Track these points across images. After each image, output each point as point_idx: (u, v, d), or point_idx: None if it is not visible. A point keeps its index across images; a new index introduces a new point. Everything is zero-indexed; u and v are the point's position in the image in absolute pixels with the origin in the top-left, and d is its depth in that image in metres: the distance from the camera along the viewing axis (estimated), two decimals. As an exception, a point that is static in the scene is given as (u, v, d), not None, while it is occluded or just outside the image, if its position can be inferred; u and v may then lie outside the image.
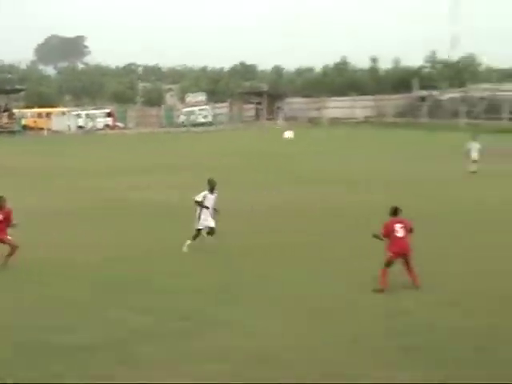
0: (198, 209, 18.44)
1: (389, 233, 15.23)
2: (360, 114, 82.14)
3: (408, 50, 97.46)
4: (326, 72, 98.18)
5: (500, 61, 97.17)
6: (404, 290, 14.79)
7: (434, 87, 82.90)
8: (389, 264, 15.09)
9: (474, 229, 21.21)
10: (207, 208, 18.33)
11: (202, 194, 18.45)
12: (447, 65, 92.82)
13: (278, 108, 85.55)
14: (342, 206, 25.41)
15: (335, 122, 79.47)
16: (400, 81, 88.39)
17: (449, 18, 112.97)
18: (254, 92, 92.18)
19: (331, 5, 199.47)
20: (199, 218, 18.42)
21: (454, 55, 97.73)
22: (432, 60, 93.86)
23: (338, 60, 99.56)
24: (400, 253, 15.11)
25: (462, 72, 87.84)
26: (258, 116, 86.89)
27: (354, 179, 33.03)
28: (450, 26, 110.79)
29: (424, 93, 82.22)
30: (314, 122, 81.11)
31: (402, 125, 72.22)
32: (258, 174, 35.39)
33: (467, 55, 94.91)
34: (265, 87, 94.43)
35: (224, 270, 16.75)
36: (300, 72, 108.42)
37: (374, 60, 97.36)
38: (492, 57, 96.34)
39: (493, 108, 72.39)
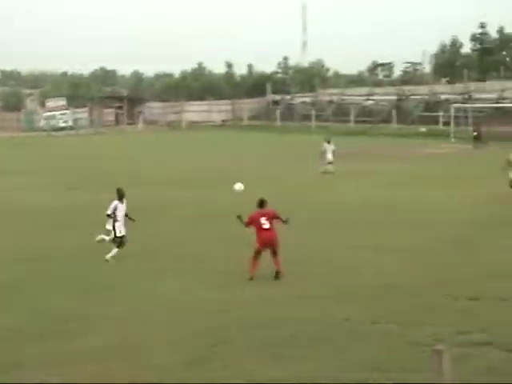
0: (111, 220, 18.63)
1: (252, 223, 16.53)
2: (217, 117, 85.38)
3: (262, 55, 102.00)
4: (184, 77, 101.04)
5: (346, 67, 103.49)
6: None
7: (287, 92, 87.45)
8: (256, 254, 16.37)
9: (331, 227, 22.81)
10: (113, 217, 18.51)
11: (112, 205, 18.58)
12: (298, 70, 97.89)
13: (139, 112, 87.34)
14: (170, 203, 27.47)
15: (193, 125, 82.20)
16: (254, 85, 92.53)
17: (300, 25, 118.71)
18: (114, 96, 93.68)
19: (186, 12, 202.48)
20: (114, 228, 18.57)
21: (305, 61, 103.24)
22: (284, 66, 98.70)
23: (195, 65, 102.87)
24: (266, 244, 16.35)
25: (312, 77, 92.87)
26: (118, 120, 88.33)
27: (203, 179, 34.84)
28: (300, 32, 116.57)
29: (277, 97, 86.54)
30: (172, 125, 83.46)
31: (257, 128, 75.46)
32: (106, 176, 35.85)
33: (317, 61, 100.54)
34: (125, 92, 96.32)
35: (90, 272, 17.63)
36: (159, 77, 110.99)
37: (229, 65, 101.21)
38: (339, 63, 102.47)
39: (341, 111, 77.40)
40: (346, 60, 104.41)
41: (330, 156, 37.73)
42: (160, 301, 15.06)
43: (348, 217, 24.25)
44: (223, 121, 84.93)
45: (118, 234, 18.58)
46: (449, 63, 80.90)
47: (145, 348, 12.20)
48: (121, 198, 18.80)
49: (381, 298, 14.73)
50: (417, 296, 14.80)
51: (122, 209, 18.70)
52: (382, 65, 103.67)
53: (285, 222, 17.11)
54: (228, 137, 66.63)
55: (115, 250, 18.51)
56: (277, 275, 16.41)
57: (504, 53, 78.98)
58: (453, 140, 55.99)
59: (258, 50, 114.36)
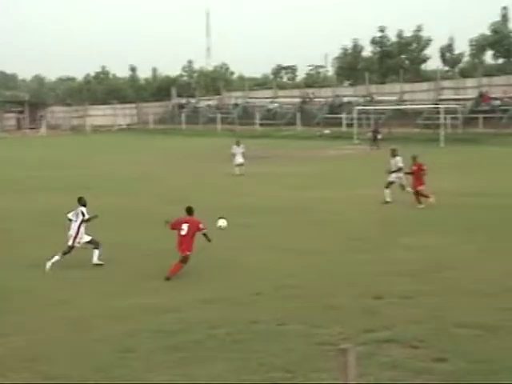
0: (76, 226, 18.14)
1: (175, 227, 17.00)
2: (123, 121, 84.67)
3: (166, 59, 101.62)
4: (88, 81, 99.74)
5: (251, 70, 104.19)
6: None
7: (192, 95, 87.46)
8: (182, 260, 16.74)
9: (240, 228, 22.56)
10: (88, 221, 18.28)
11: (83, 210, 18.23)
12: (203, 74, 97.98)
13: (41, 116, 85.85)
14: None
15: (98, 129, 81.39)
16: (159, 89, 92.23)
17: (204, 29, 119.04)
18: (15, 101, 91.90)
19: (89, 16, 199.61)
20: (76, 235, 18.14)
21: (209, 64, 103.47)
22: (189, 69, 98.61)
23: (98, 69, 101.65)
24: (178, 249, 16.88)
25: (216, 80, 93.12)
26: (19, 125, 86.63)
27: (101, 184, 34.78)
28: (204, 36, 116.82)
29: (182, 100, 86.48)
30: (76, 129, 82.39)
31: (163, 131, 75.32)
32: None
33: (221, 64, 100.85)
34: (26, 96, 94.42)
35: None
36: (62, 81, 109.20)
37: (133, 69, 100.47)
38: (243, 66, 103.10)
39: (246, 114, 77.90)
40: (250, 63, 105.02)
41: (239, 158, 38.07)
42: (65, 307, 14.80)
43: (258, 218, 24.36)
44: (128, 125, 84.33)
45: (73, 244, 18.15)
46: (351, 66, 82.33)
47: (47, 356, 11.98)
48: (84, 205, 18.45)
49: (288, 299, 14.84)
50: (323, 296, 14.97)
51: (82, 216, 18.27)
52: (286, 68, 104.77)
53: (206, 236, 17.35)
54: (133, 141, 66.27)
55: (57, 258, 17.94)
56: (167, 279, 16.61)
57: (403, 56, 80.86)
58: (356, 142, 57.06)
59: (161, 53, 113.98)
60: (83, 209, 18.30)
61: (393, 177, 27.40)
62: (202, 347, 12.23)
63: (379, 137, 53.07)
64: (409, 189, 26.84)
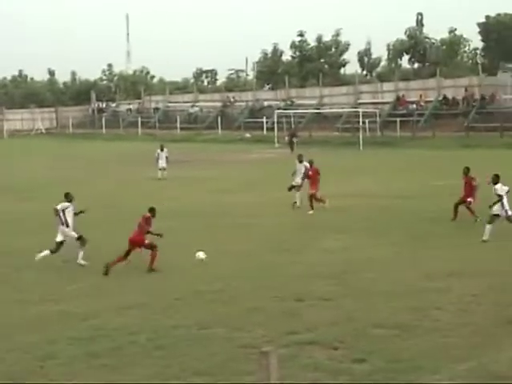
0: (65, 219, 18.57)
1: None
2: (41, 125, 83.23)
3: (85, 62, 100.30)
4: (4, 84, 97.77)
5: (171, 74, 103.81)
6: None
7: (112, 99, 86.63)
8: (126, 253, 17.72)
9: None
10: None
11: (70, 205, 18.71)
12: (123, 77, 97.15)
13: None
14: None
15: (16, 133, 79.85)
16: (79, 93, 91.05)
17: (123, 33, 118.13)
18: None
19: (6, 19, 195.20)
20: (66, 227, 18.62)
21: (129, 68, 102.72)
22: (109, 73, 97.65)
23: (15, 73, 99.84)
24: (130, 241, 17.82)
25: (137, 84, 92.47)
26: None
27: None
28: (124, 40, 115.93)
29: (102, 104, 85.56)
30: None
31: (83, 135, 74.32)
32: None
33: (141, 68, 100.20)
34: None
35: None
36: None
37: (51, 72, 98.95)
38: (164, 70, 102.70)
39: (167, 118, 77.54)
40: (170, 67, 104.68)
41: (163, 163, 38.23)
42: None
43: (179, 222, 24.30)
44: (47, 129, 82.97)
45: (60, 240, 18.64)
46: (271, 70, 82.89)
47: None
48: (71, 200, 18.92)
49: (209, 303, 14.87)
50: (245, 299, 15.05)
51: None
52: (207, 72, 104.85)
53: (150, 232, 18.02)
54: (52, 145, 65.28)
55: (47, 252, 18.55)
56: (105, 268, 17.51)
57: (322, 60, 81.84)
58: (277, 145, 57.40)
59: (80, 56, 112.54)
60: (69, 203, 18.70)
61: (297, 181, 27.64)
62: (122, 353, 12.15)
63: (295, 140, 53.54)
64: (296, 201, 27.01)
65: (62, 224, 18.73)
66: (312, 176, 26.51)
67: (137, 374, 11.21)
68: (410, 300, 14.64)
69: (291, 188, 27.61)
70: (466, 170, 23.66)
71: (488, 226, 20.10)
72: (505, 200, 20.34)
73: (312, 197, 26.14)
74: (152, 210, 18.36)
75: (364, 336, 12.57)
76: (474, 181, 23.16)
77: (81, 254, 18.68)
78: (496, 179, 20.75)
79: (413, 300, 14.64)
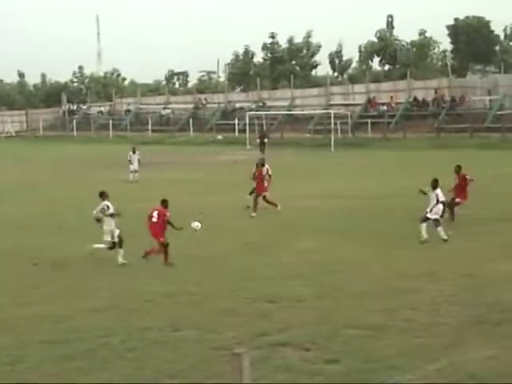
0: (110, 221, 18.80)
1: (148, 216, 18.53)
2: (11, 128, 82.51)
3: (56, 64, 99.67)
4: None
5: (143, 76, 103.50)
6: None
7: (83, 101, 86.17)
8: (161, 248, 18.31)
9: (135, 236, 23.91)
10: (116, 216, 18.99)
11: (109, 203, 19.00)
12: (94, 79, 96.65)
13: None
14: None
15: (-16, 136, 79.23)
16: (49, 95, 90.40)
17: (94, 34, 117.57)
18: None
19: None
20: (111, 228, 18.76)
21: (100, 70, 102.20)
22: (80, 75, 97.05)
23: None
24: (151, 234, 18.40)
25: (108, 86, 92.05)
26: None
27: None
28: (95, 42, 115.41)
29: (73, 107, 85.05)
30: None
31: (54, 138, 73.88)
32: None
33: (113, 70, 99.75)
34: None
35: None
36: None
37: (21, 74, 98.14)
38: (135, 72, 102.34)
39: (138, 121, 77.27)
40: (142, 69, 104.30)
41: (135, 165, 38.24)
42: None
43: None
44: (17, 132, 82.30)
45: (112, 239, 18.80)
46: (242, 72, 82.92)
47: None
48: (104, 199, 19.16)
49: (181, 305, 14.82)
50: (217, 301, 15.02)
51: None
52: (178, 73, 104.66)
53: (171, 225, 18.54)
54: (22, 148, 64.71)
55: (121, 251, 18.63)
56: (145, 255, 18.52)
57: (294, 62, 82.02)
58: (248, 147, 57.40)
59: (50, 58, 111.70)
60: (107, 203, 18.93)
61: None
62: (95, 356, 12.07)
63: (266, 141, 53.67)
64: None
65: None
66: (259, 178, 26.48)
67: (110, 377, 11.13)
68: (384, 300, 14.69)
69: (252, 192, 27.31)
70: (458, 169, 23.52)
71: (424, 225, 20.38)
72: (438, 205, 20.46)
73: (257, 199, 26.10)
74: (164, 202, 18.81)
75: (337, 336, 12.58)
76: (467, 177, 23.14)
77: (121, 252, 18.71)
78: (435, 184, 20.71)
79: (386, 300, 14.69)
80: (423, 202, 21.19)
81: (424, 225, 20.33)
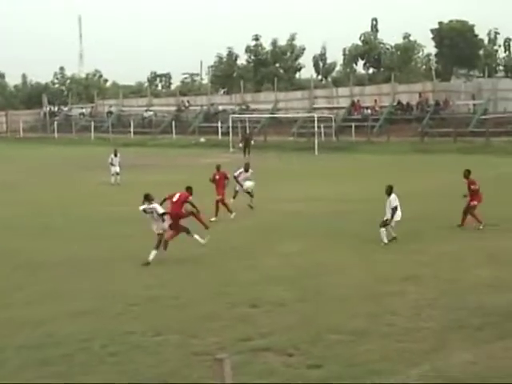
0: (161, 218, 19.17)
1: (168, 198, 19.87)
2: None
3: (37, 65, 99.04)
4: None
5: (125, 77, 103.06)
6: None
7: (64, 103, 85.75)
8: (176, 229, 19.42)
9: (111, 238, 23.45)
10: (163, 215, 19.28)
11: (157, 204, 19.38)
12: (75, 81, 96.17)
13: None
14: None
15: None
16: (30, 96, 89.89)
17: (76, 35, 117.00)
18: None
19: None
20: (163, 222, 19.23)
21: (82, 71, 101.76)
22: (61, 76, 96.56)
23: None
24: (172, 215, 19.31)
25: (90, 88, 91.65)
26: None
27: None
28: (77, 42, 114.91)
29: (54, 108, 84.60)
30: None
31: (34, 140, 73.40)
32: None
33: (94, 71, 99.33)
34: None
35: None
36: None
37: (1, 75, 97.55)
38: (118, 73, 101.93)
39: (120, 123, 76.92)
40: (124, 70, 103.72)
41: (116, 168, 38.01)
42: None
43: (132, 228, 23.92)
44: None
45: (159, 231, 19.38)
46: (226, 74, 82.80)
47: None
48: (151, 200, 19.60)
49: (163, 310, 14.72)
50: (199, 305, 14.92)
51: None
52: (161, 75, 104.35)
53: (193, 205, 20.01)
54: (1, 149, 64.18)
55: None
56: (164, 243, 19.13)
57: (277, 65, 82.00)
58: (232, 150, 57.25)
59: (31, 58, 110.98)
60: (155, 205, 19.33)
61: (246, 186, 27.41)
62: (74, 361, 11.96)
63: (252, 143, 53.61)
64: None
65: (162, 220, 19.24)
66: (219, 180, 26.18)
67: (89, 382, 11.00)
68: (366, 304, 14.66)
69: (236, 196, 27.30)
70: (467, 173, 23.22)
71: (383, 230, 20.63)
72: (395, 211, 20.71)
73: (218, 202, 25.86)
74: (189, 189, 20.42)
75: (320, 341, 12.52)
76: (474, 185, 22.85)
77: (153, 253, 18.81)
78: (390, 190, 20.86)
79: (369, 304, 14.66)
80: (406, 207, 21.24)
81: (383, 229, 20.64)
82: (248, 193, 27.45)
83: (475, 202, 22.66)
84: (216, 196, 26.01)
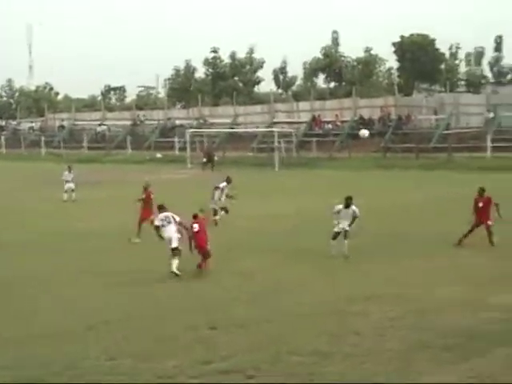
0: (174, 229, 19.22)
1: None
2: None
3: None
4: None
5: (77, 91, 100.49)
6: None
7: (13, 116, 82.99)
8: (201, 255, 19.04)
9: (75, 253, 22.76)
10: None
11: (174, 215, 19.53)
12: (24, 93, 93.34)
13: None
14: None
15: None
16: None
17: (25, 47, 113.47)
18: None
19: None
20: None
21: (31, 84, 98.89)
22: (9, 89, 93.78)
23: None
24: (196, 246, 18.99)
25: (40, 101, 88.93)
26: None
27: None
28: (25, 54, 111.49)
29: (2, 122, 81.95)
30: None
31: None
32: None
33: (45, 84, 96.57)
34: None
35: None
36: None
37: None
38: (69, 86, 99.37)
39: (73, 137, 74.34)
40: (76, 83, 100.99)
41: (70, 184, 37.11)
42: None
43: (91, 243, 23.62)
44: None
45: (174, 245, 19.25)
46: (183, 87, 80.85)
47: None
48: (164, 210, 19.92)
49: (118, 333, 14.12)
50: (156, 327, 14.43)
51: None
52: (115, 89, 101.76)
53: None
54: None
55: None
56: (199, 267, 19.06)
57: (236, 78, 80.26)
58: (189, 165, 55.54)
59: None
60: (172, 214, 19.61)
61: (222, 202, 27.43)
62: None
63: (215, 158, 52.18)
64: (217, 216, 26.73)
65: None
66: (146, 200, 25.07)
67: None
68: (329, 324, 14.37)
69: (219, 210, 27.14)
70: (482, 191, 22.48)
71: (346, 242, 20.81)
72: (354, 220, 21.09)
73: (142, 222, 24.58)
74: (196, 216, 19.38)
75: (281, 363, 12.24)
76: (492, 201, 22.22)
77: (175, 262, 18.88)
78: (349, 201, 21.04)
79: (331, 324, 14.38)
80: (369, 222, 21.41)
81: (334, 242, 20.89)
82: (223, 208, 27.18)
83: (490, 222, 22.02)
84: (142, 217, 24.71)
